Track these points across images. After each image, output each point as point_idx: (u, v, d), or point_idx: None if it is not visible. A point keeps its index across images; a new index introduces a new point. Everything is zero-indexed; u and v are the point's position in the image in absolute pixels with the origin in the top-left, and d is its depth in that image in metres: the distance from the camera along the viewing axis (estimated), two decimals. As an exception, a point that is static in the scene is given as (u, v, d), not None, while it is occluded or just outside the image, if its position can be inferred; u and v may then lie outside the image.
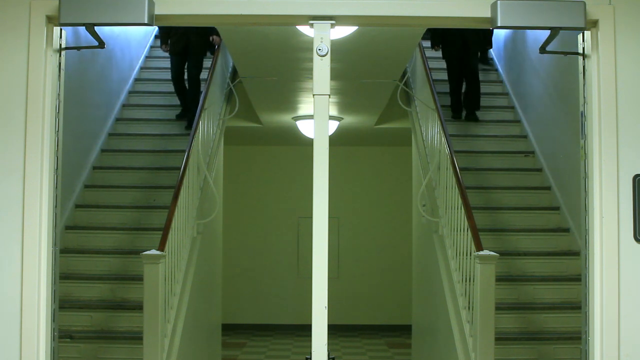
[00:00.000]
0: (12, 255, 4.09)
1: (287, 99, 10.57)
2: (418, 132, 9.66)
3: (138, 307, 6.83)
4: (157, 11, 4.08)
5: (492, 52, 11.72)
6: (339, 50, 7.39)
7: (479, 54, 10.69)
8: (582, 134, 4.33)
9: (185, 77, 10.31)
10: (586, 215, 4.27)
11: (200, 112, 8.48)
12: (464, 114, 10.23)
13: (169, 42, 10.26)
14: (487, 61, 11.61)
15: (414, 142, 10.29)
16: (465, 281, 6.97)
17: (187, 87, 10.22)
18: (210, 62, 9.59)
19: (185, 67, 10.28)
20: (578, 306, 4.56)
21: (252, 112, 11.37)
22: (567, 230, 8.31)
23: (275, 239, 14.97)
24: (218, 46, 9.88)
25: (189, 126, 9.48)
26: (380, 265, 14.86)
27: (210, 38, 10.09)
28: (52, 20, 4.16)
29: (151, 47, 11.74)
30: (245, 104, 10.46)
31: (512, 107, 10.41)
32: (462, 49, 10.14)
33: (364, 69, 8.80)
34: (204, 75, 10.15)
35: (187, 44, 10.09)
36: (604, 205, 4.10)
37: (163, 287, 6.47)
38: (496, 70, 11.47)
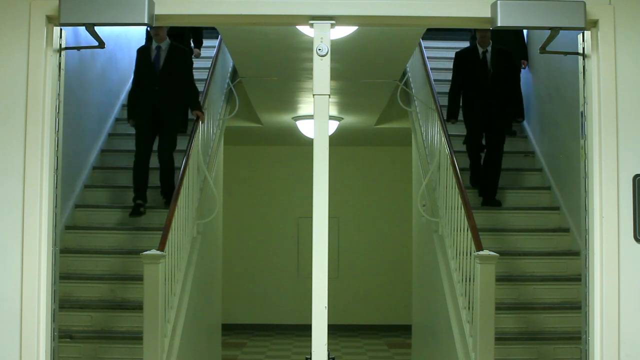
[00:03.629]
0: (12, 255, 4.09)
1: (287, 99, 10.57)
2: (418, 132, 9.66)
3: (138, 307, 6.83)
4: (157, 11, 4.08)
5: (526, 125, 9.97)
6: (339, 50, 7.39)
7: (506, 129, 8.87)
8: (582, 134, 4.33)
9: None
10: (586, 215, 4.28)
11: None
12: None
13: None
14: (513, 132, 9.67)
15: (414, 142, 10.28)
16: (465, 281, 6.97)
17: (161, 173, 8.32)
18: (187, 144, 8.00)
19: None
20: (578, 306, 4.56)
21: (252, 112, 11.37)
22: (567, 230, 8.31)
23: (275, 239, 14.98)
24: (200, 120, 8.30)
25: (168, 202, 8.00)
26: (380, 265, 14.86)
27: (194, 114, 8.33)
28: (52, 20, 4.16)
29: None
30: (245, 104, 10.45)
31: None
32: (487, 120, 8.56)
33: (364, 69, 8.80)
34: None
35: (157, 114, 8.16)
36: (604, 205, 4.11)
37: (163, 287, 6.47)
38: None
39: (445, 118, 8.48)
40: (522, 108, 9.00)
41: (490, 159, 8.61)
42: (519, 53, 9.77)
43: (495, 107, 8.51)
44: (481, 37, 8.60)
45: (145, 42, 8.92)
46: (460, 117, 8.88)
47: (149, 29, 8.44)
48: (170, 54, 8.28)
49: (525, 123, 9.87)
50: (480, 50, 8.64)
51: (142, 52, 8.42)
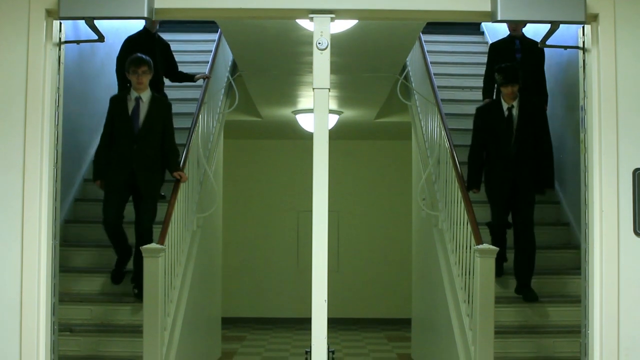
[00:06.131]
0: (12, 249, 4.09)
1: (286, 92, 10.56)
2: (418, 126, 9.66)
3: (138, 300, 6.85)
4: (157, 5, 4.08)
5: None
6: (338, 44, 7.39)
7: (534, 199, 7.37)
8: (582, 127, 4.33)
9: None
10: (586, 209, 4.28)
11: (200, 105, 8.47)
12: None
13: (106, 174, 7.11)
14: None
15: (413, 136, 10.28)
16: (465, 275, 6.97)
17: (136, 251, 7.08)
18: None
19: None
20: (578, 299, 4.56)
21: (251, 106, 11.36)
22: (566, 224, 8.31)
23: (275, 233, 14.98)
24: (181, 181, 7.39)
25: (141, 295, 6.62)
26: (380, 258, 14.86)
27: (177, 175, 7.30)
28: (52, 14, 4.16)
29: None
30: (245, 98, 10.44)
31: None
32: (512, 191, 7.22)
33: (363, 62, 8.79)
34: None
35: (134, 178, 6.98)
36: (604, 199, 4.11)
37: (163, 280, 6.48)
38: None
39: (466, 186, 7.40)
40: (552, 176, 7.47)
41: (520, 244, 7.30)
42: (539, 97, 8.08)
43: (522, 178, 7.19)
44: (506, 95, 7.23)
45: (119, 91, 7.87)
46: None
47: (129, 73, 7.11)
48: (152, 107, 7.10)
49: None
50: (505, 106, 7.24)
51: (118, 103, 7.17)
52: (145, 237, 6.89)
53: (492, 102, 7.67)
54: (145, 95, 7.10)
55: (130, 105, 7.06)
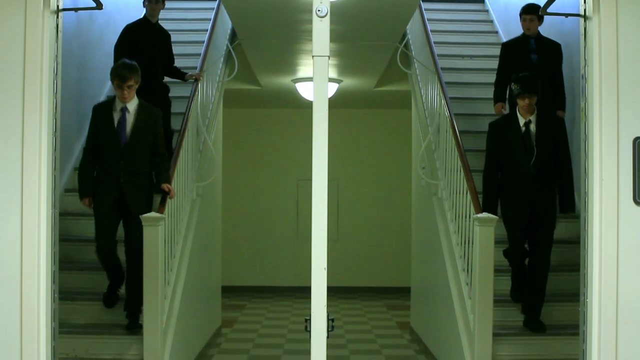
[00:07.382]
0: (12, 218, 4.10)
1: (286, 61, 10.52)
2: (418, 94, 9.63)
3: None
4: (155, -28, 4.04)
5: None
6: (338, 12, 7.35)
7: (554, 225, 6.88)
8: (582, 96, 4.32)
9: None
10: (586, 178, 4.28)
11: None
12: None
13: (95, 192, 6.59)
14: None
15: (413, 105, 10.26)
16: (464, 243, 6.98)
17: (128, 272, 6.66)
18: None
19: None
20: (577, 268, 4.57)
21: (251, 75, 11.33)
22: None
23: (274, 201, 15.00)
24: (170, 196, 6.71)
25: (132, 326, 6.53)
26: (379, 227, 14.90)
27: (166, 187, 6.58)
28: (49, -19, 4.13)
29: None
30: (245, 66, 10.41)
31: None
32: (531, 216, 6.67)
33: (363, 31, 8.75)
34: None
35: (123, 195, 6.48)
36: (604, 167, 4.11)
37: (163, 249, 6.48)
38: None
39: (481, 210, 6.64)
40: (572, 199, 6.78)
41: (533, 273, 6.79)
42: (555, 102, 7.61)
43: (542, 202, 6.67)
44: (522, 107, 6.64)
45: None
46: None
47: (113, 85, 6.56)
48: (140, 117, 6.53)
49: None
50: (522, 120, 6.67)
51: (102, 113, 6.58)
52: (136, 260, 6.43)
53: (506, 117, 6.98)
54: (132, 105, 6.53)
55: (116, 116, 6.50)
